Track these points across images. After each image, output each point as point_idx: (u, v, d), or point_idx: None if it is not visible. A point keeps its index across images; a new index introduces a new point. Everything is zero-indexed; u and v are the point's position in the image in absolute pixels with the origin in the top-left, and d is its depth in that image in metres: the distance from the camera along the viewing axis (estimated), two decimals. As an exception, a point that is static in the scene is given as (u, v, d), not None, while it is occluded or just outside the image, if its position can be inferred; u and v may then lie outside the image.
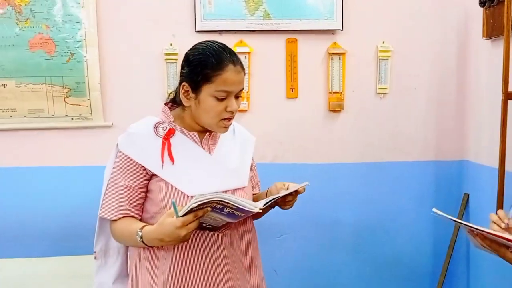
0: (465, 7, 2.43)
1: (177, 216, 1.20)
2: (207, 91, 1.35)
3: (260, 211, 1.27)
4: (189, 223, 1.21)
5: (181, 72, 1.42)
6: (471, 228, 1.28)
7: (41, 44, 2.28)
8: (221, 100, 1.36)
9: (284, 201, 1.44)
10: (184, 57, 1.42)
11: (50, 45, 2.29)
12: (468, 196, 2.48)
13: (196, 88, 1.36)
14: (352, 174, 2.53)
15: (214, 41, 1.42)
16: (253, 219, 1.53)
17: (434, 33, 2.49)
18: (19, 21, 2.26)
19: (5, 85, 2.28)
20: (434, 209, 1.32)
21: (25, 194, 2.35)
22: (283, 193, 1.38)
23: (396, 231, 2.58)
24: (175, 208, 1.19)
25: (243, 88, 1.41)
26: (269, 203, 1.35)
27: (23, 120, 2.32)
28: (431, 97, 2.53)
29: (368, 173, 2.54)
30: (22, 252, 2.32)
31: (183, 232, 1.21)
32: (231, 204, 1.21)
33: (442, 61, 2.51)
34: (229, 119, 1.41)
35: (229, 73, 1.34)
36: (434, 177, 2.58)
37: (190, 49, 1.43)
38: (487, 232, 1.24)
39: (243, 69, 1.39)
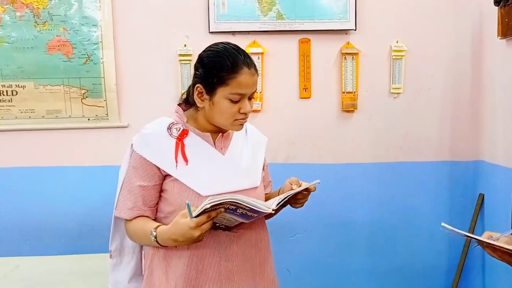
0: (479, 6, 2.41)
1: (191, 217, 1.21)
2: (222, 93, 1.36)
3: (273, 212, 1.28)
4: (203, 224, 1.23)
5: (195, 74, 1.43)
6: (481, 241, 1.28)
7: (58, 46, 2.33)
8: (235, 102, 1.37)
9: (295, 199, 1.45)
10: (198, 59, 1.43)
11: (68, 47, 2.33)
12: (483, 196, 2.46)
13: (210, 90, 1.37)
14: (365, 174, 2.53)
15: (228, 43, 1.42)
16: (266, 219, 1.54)
17: (448, 33, 2.48)
18: (38, 24, 2.31)
19: (24, 87, 2.33)
20: (443, 224, 1.31)
21: (43, 194, 2.40)
22: (294, 191, 1.39)
23: (410, 231, 2.57)
24: (189, 209, 1.21)
25: (256, 90, 1.42)
26: (281, 202, 1.36)
27: (41, 121, 2.36)
28: (446, 96, 2.52)
29: (382, 173, 2.53)
30: (40, 250, 2.37)
31: (197, 233, 1.23)
32: (244, 205, 1.22)
33: (457, 61, 2.49)
34: (243, 119, 1.42)
35: (244, 76, 1.35)
36: (448, 177, 2.56)
37: (204, 51, 1.43)
38: (495, 245, 1.23)
39: (257, 71, 1.40)
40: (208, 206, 1.18)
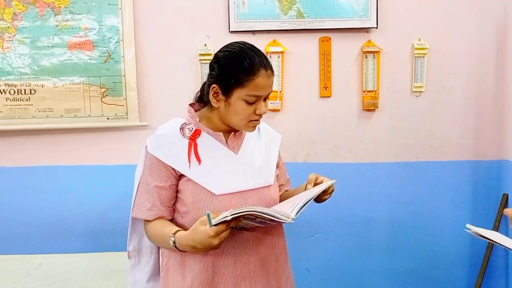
0: (504, 3, 2.37)
1: (210, 225, 1.21)
2: (238, 95, 1.35)
3: (293, 221, 1.26)
4: (222, 232, 1.22)
5: (211, 73, 1.41)
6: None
7: (79, 44, 2.34)
8: (251, 103, 1.36)
9: (319, 197, 1.42)
10: (214, 58, 1.41)
11: (89, 45, 2.34)
12: (507, 196, 2.42)
13: (226, 91, 1.36)
14: (386, 174, 2.50)
15: (245, 43, 1.40)
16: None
17: (472, 30, 2.43)
18: (59, 23, 2.33)
19: (42, 85, 2.35)
20: (468, 225, 1.27)
21: (63, 192, 2.43)
22: (312, 196, 1.36)
23: (432, 232, 2.54)
24: (209, 218, 1.20)
25: (272, 90, 1.41)
26: (302, 209, 1.33)
27: (60, 120, 2.37)
28: (469, 95, 2.47)
29: (403, 173, 2.50)
30: (63, 248, 2.41)
31: (215, 241, 1.22)
32: (264, 216, 1.22)
33: (480, 59, 2.45)
34: (257, 120, 1.41)
35: (261, 78, 1.34)
36: (472, 177, 2.52)
37: (220, 50, 1.41)
38: None
39: (273, 71, 1.39)
40: (229, 218, 1.18)
